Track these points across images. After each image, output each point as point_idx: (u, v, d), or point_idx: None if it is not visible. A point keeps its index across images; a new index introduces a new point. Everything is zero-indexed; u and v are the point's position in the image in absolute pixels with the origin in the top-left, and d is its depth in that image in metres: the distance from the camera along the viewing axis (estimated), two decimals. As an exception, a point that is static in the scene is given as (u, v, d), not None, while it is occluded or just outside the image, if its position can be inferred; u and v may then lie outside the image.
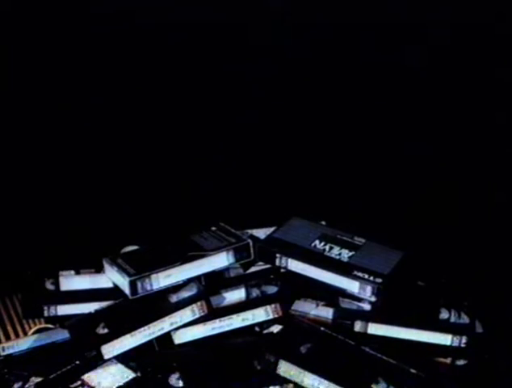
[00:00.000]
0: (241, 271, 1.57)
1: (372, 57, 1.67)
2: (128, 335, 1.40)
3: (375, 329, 1.44)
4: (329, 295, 1.49)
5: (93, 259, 1.55)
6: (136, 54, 1.67)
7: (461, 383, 1.39)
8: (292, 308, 1.53)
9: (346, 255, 1.50)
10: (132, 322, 1.42)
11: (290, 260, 1.50)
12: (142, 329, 1.41)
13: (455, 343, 1.42)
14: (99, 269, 1.55)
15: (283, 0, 1.65)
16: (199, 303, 1.45)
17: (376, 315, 1.44)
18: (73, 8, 1.60)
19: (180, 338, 1.46)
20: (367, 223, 1.60)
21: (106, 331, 1.41)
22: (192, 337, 1.46)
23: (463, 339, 1.42)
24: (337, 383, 1.32)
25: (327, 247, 1.52)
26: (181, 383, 1.38)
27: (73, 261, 1.58)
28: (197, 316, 1.45)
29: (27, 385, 1.37)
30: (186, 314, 1.44)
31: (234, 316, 1.47)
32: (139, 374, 1.39)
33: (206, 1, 1.64)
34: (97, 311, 1.46)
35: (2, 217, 1.68)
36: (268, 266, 1.54)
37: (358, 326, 1.45)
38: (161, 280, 1.45)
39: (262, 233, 1.62)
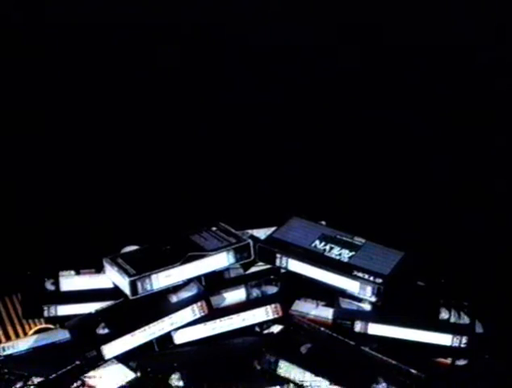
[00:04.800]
0: (241, 271, 1.57)
1: (368, 62, 1.68)
2: (128, 335, 1.40)
3: (375, 329, 1.44)
4: (329, 295, 1.49)
5: (93, 259, 1.55)
6: (135, 52, 1.67)
7: (461, 383, 1.39)
8: (292, 308, 1.53)
9: (346, 255, 1.50)
10: (132, 322, 1.42)
11: (290, 260, 1.50)
12: (142, 329, 1.41)
13: (455, 343, 1.42)
14: (99, 269, 1.55)
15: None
16: (199, 303, 1.45)
17: (376, 315, 1.45)
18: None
19: (180, 338, 1.46)
20: (367, 223, 1.60)
21: (106, 331, 1.41)
22: (192, 337, 1.46)
23: (463, 339, 1.42)
24: (337, 383, 1.32)
25: (327, 247, 1.52)
26: (181, 383, 1.38)
27: (73, 261, 1.58)
28: (197, 316, 1.45)
29: (26, 386, 1.38)
30: (186, 314, 1.45)
31: (234, 316, 1.47)
32: (139, 374, 1.39)
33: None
34: (97, 311, 1.46)
35: (2, 217, 1.68)
36: (268, 266, 1.54)
37: (358, 326, 1.45)
38: (161, 280, 1.45)
39: (262, 233, 1.62)
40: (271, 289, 1.52)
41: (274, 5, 1.65)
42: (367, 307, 1.46)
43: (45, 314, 1.51)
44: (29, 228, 1.70)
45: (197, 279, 1.49)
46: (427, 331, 1.43)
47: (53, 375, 1.39)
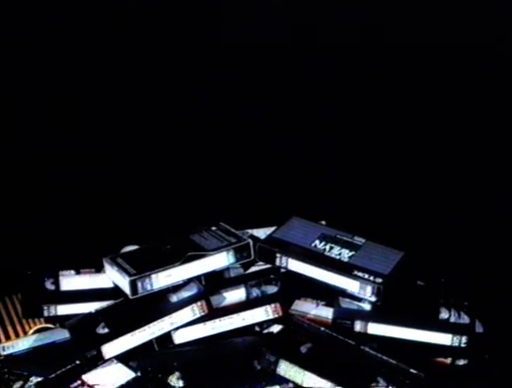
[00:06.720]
0: (241, 271, 1.57)
1: (368, 62, 1.68)
2: (128, 335, 1.40)
3: (375, 329, 1.44)
4: (329, 295, 1.49)
5: (93, 259, 1.55)
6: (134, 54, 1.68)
7: (461, 383, 1.39)
8: (292, 308, 1.53)
9: (346, 255, 1.50)
10: (132, 322, 1.42)
11: (290, 260, 1.50)
12: (142, 329, 1.41)
13: (455, 343, 1.42)
14: (99, 269, 1.55)
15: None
16: (199, 303, 1.45)
17: (376, 315, 1.44)
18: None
19: (180, 338, 1.46)
20: (367, 223, 1.60)
21: (106, 331, 1.41)
22: (192, 337, 1.46)
23: (463, 339, 1.42)
24: (337, 383, 1.32)
25: (327, 247, 1.52)
26: (181, 383, 1.38)
27: (73, 261, 1.58)
28: (197, 316, 1.45)
29: (27, 385, 1.38)
30: (186, 314, 1.45)
31: (234, 316, 1.47)
32: (139, 374, 1.39)
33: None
34: (97, 311, 1.46)
35: (2, 217, 1.68)
36: (268, 266, 1.54)
37: (358, 326, 1.45)
38: (161, 279, 1.45)
39: (262, 233, 1.62)
40: (271, 289, 1.52)
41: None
42: (366, 307, 1.46)
43: (45, 313, 1.51)
44: (29, 228, 1.70)
45: (197, 279, 1.49)
46: (427, 331, 1.43)
47: (53, 375, 1.39)
